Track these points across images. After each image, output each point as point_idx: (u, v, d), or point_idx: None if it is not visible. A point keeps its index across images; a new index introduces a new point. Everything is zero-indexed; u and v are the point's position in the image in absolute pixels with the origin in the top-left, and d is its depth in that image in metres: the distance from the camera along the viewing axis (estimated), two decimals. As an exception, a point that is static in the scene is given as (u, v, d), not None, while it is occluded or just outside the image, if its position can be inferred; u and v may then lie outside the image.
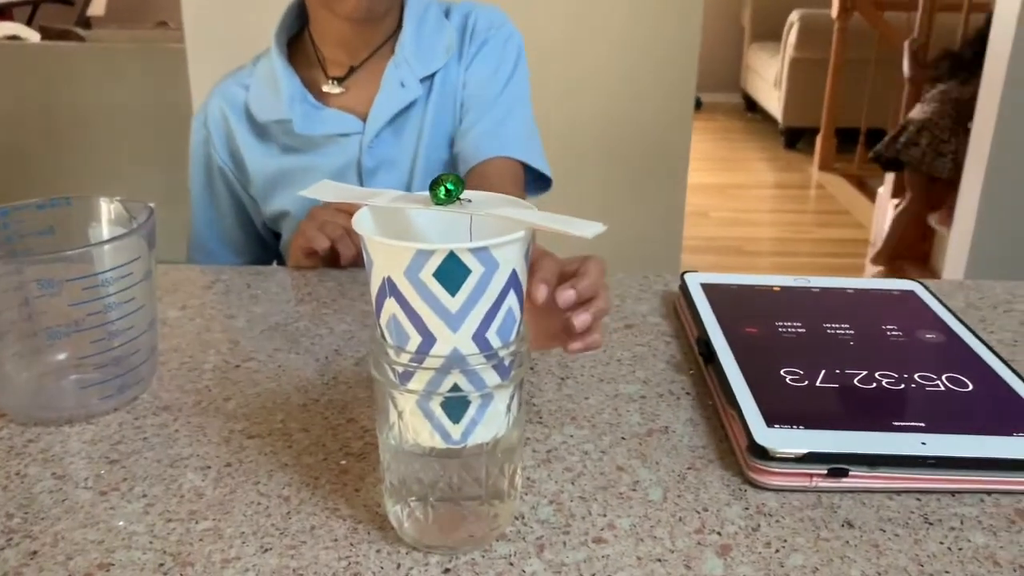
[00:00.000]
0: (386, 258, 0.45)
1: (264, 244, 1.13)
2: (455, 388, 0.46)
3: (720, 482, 0.57)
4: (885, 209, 3.27)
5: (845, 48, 3.95)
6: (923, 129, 2.92)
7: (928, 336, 0.70)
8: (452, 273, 0.44)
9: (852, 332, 0.70)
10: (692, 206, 2.98)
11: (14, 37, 3.32)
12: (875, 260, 3.14)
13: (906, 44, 3.24)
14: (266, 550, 0.51)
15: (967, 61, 2.89)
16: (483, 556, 0.50)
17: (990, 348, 0.68)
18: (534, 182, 1.05)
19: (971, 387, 0.63)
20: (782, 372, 0.64)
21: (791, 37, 4.40)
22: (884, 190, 3.33)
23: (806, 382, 0.63)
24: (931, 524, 0.53)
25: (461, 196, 0.48)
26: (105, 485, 0.57)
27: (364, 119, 1.00)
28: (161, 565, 0.50)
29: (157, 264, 0.66)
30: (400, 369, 0.47)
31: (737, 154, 4.51)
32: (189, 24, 1.97)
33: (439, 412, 0.47)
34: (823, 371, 0.64)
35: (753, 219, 3.66)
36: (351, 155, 0.99)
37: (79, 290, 0.59)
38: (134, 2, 4.88)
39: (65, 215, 0.67)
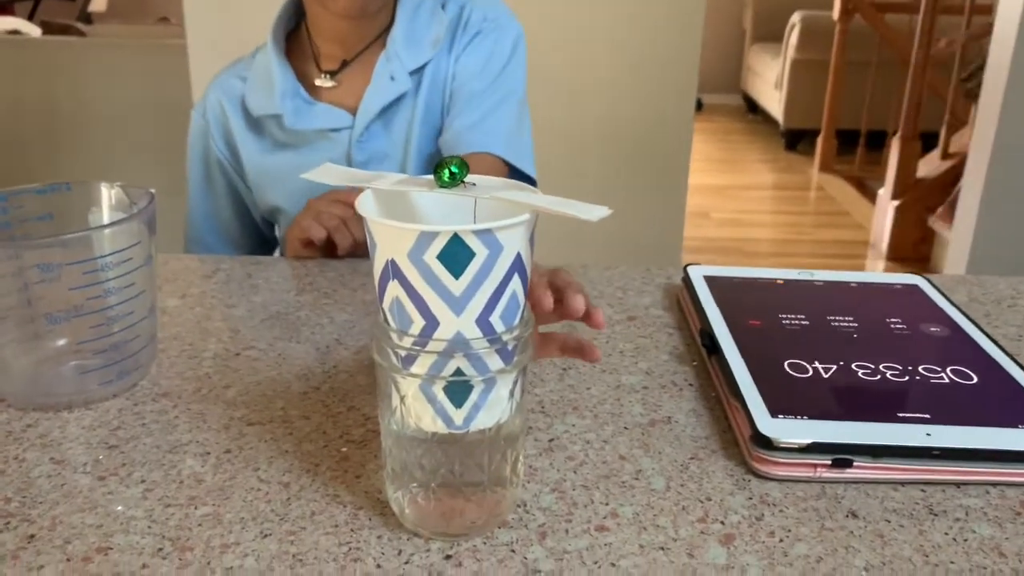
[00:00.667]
0: (389, 240, 0.44)
1: (262, 237, 1.12)
2: (458, 372, 0.46)
3: (723, 472, 0.56)
4: (886, 210, 3.27)
5: (846, 50, 3.95)
6: None
7: (932, 329, 0.70)
8: (456, 255, 0.43)
9: (856, 325, 0.70)
10: (693, 207, 2.99)
11: (15, 32, 3.31)
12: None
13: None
14: (266, 535, 0.50)
15: None
16: (485, 543, 0.50)
17: (995, 342, 0.68)
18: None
19: (976, 380, 0.62)
20: (786, 364, 0.64)
21: (792, 39, 4.40)
22: (884, 192, 3.33)
23: (810, 373, 0.63)
24: (936, 515, 0.53)
25: (465, 179, 0.48)
26: (104, 470, 0.56)
27: (354, 113, 0.99)
28: (160, 549, 0.49)
29: (156, 254, 0.66)
30: (403, 353, 0.46)
31: (738, 155, 4.51)
32: (190, 20, 1.97)
33: (441, 397, 0.47)
34: (827, 363, 0.64)
35: (754, 220, 3.66)
36: (341, 150, 0.99)
37: (79, 274, 0.59)
38: (136, -3, 4.87)
39: (65, 200, 0.67)
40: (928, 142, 3.32)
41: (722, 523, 0.52)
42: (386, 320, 0.47)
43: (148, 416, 0.62)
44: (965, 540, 0.51)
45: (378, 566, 0.48)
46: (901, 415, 0.58)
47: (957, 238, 2.62)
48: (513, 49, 1.02)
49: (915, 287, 0.78)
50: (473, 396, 0.47)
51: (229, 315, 0.78)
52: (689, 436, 0.60)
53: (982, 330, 0.70)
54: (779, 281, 0.78)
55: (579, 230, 1.92)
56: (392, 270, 0.45)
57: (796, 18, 4.39)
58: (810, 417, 0.57)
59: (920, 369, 0.63)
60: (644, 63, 2.12)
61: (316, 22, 1.01)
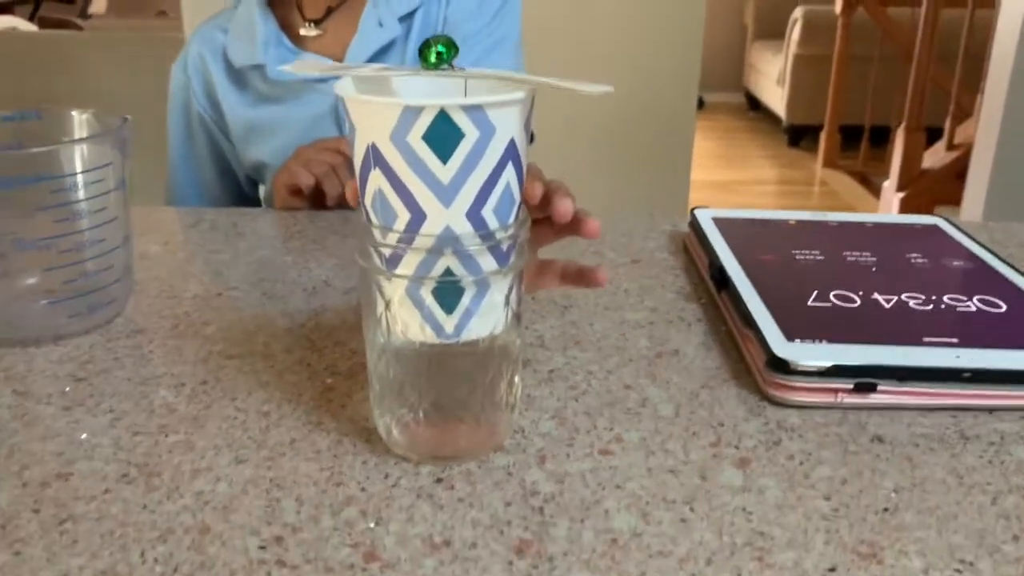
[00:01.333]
0: (370, 120, 0.40)
1: (245, 198, 1.08)
2: (448, 273, 0.42)
3: (736, 399, 0.52)
4: (891, 202, 3.23)
5: (849, 44, 3.92)
6: None
7: (956, 263, 0.66)
8: (443, 136, 0.40)
9: (874, 259, 0.66)
10: (695, 202, 2.95)
11: (12, 29, 3.29)
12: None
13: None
14: (241, 461, 0.46)
15: None
16: (479, 467, 0.46)
17: (1022, 273, 0.64)
18: None
19: (1005, 308, 0.58)
20: (802, 295, 0.60)
21: (794, 34, 4.36)
22: (889, 184, 3.29)
23: (828, 303, 0.58)
24: (968, 439, 0.49)
25: (455, 63, 0.44)
26: (69, 401, 0.52)
27: (341, 61, 0.95)
28: (125, 475, 0.45)
29: (135, 207, 0.62)
30: (387, 252, 0.42)
31: (740, 151, 4.47)
32: (188, 12, 1.93)
33: (430, 300, 0.43)
34: (846, 292, 0.60)
35: (757, 214, 3.61)
36: (328, 102, 0.94)
37: (46, 193, 0.55)
38: (134, -2, 4.85)
39: (35, 128, 0.63)
40: (931, 137, 3.27)
41: (736, 447, 0.48)
42: (368, 218, 0.43)
43: (121, 351, 0.58)
44: (1002, 463, 0.47)
45: (362, 489, 0.44)
46: (927, 339, 0.54)
47: (965, 225, 2.57)
48: None
49: (934, 226, 0.74)
50: (465, 300, 0.43)
51: (212, 259, 0.74)
52: (699, 367, 0.56)
53: (1008, 263, 0.66)
54: (791, 222, 0.74)
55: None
56: (373, 156, 0.41)
57: (798, 13, 4.36)
58: (829, 341, 0.53)
59: (945, 298, 0.59)
60: (646, 61, 2.11)
61: None
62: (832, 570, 0.39)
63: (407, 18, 0.95)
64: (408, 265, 0.42)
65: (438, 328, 0.43)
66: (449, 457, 0.46)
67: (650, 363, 0.57)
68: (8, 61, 2.79)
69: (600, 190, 2.11)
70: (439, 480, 0.45)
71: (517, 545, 0.40)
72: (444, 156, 0.40)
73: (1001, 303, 0.59)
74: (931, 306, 0.58)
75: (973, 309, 0.58)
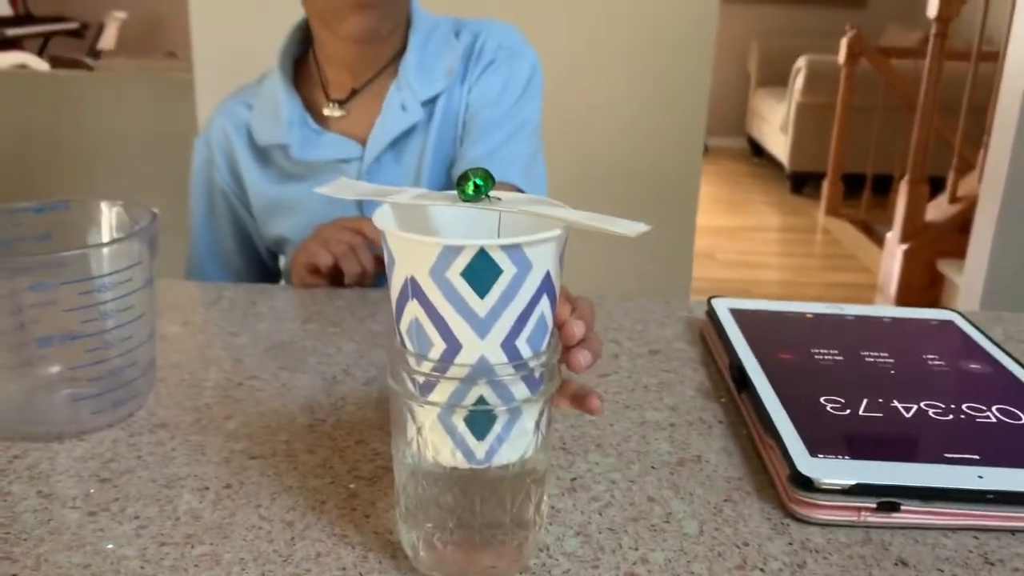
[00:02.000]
0: (410, 255, 0.41)
1: (265, 270, 1.09)
2: (480, 401, 0.42)
3: (760, 515, 0.52)
4: (894, 254, 3.24)
5: (852, 94, 3.95)
6: None
7: (972, 366, 0.66)
8: (482, 273, 0.40)
9: (892, 361, 0.66)
10: (698, 247, 2.96)
11: (23, 66, 3.32)
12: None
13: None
14: (267, 578, 0.46)
15: None
16: (505, 589, 0.46)
17: (1040, 380, 0.64)
18: None
19: (1024, 420, 0.59)
20: (822, 400, 0.60)
21: (798, 82, 4.40)
22: (893, 235, 3.31)
23: (848, 411, 0.59)
24: (992, 564, 0.49)
25: (490, 194, 0.44)
26: (94, 505, 0.52)
27: (364, 144, 0.96)
28: (152, 592, 0.45)
29: (157, 279, 0.63)
30: (421, 379, 0.43)
31: (743, 197, 4.50)
32: (198, 55, 1.95)
33: (462, 428, 0.43)
34: (865, 400, 0.60)
35: (760, 261, 3.63)
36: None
37: (75, 295, 0.55)
38: (144, 35, 4.91)
39: (63, 220, 0.64)
40: (934, 187, 3.30)
41: (762, 570, 0.48)
42: (403, 344, 0.44)
43: (144, 448, 0.58)
44: (1027, 592, 0.47)
45: (389, 613, 0.44)
46: (949, 456, 0.54)
47: (968, 282, 2.59)
48: (529, 78, 0.99)
49: (950, 323, 0.74)
50: (496, 428, 0.43)
51: (231, 343, 0.74)
52: (721, 476, 0.56)
53: (1025, 367, 0.66)
54: (808, 315, 0.75)
55: (584, 270, 1.90)
56: (412, 288, 0.41)
57: (802, 62, 4.40)
58: (852, 457, 0.53)
59: (964, 408, 0.60)
60: (653, 107, 2.12)
61: (324, 48, 0.98)
62: None
63: (430, 103, 0.96)
64: (441, 393, 0.42)
65: (469, 454, 0.43)
66: (475, 578, 0.46)
67: (672, 471, 0.57)
68: (18, 99, 2.81)
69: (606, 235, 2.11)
70: (466, 603, 0.45)
71: None
72: (482, 291, 0.40)
73: (1021, 415, 0.59)
74: (951, 416, 0.59)
75: (993, 420, 0.58)
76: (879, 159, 3.81)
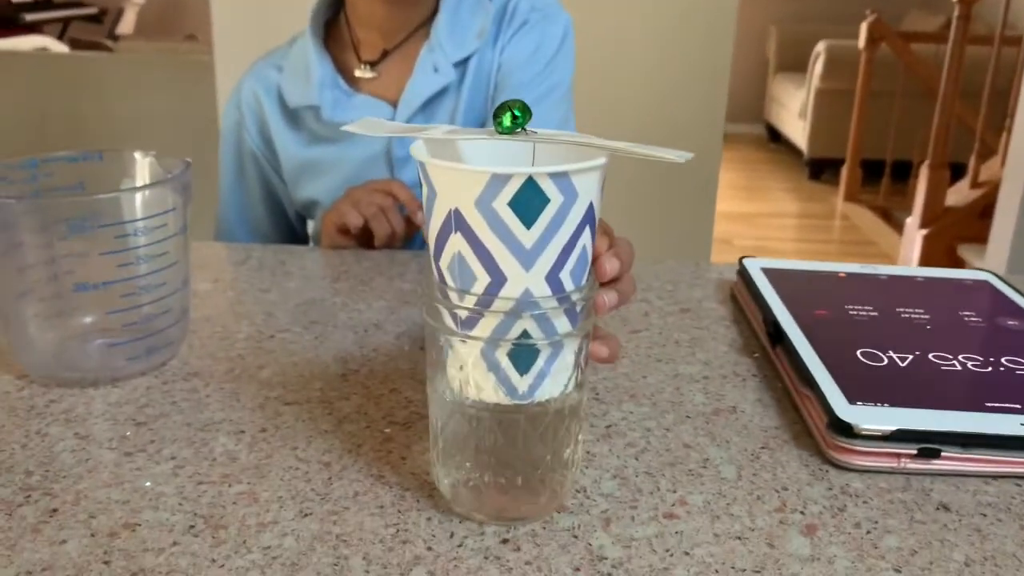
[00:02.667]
0: (454, 187, 0.41)
1: (294, 237, 1.09)
2: (524, 335, 0.42)
3: (798, 462, 0.52)
4: (914, 239, 3.22)
5: (871, 79, 3.92)
6: None
7: (1010, 323, 0.65)
8: (529, 202, 0.40)
9: (928, 317, 0.66)
10: (716, 234, 2.95)
11: (43, 49, 3.33)
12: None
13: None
14: (306, 515, 0.46)
15: None
16: (544, 528, 0.46)
17: (1079, 336, 0.63)
18: None
19: (1065, 372, 0.58)
20: (858, 353, 0.59)
21: (817, 68, 4.38)
22: (912, 220, 3.28)
23: (885, 363, 0.58)
24: (1035, 510, 0.48)
25: (527, 126, 0.44)
26: (131, 446, 0.52)
27: (395, 105, 0.96)
28: (192, 527, 0.45)
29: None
30: (463, 315, 0.42)
31: (761, 184, 4.48)
32: (218, 36, 1.95)
33: (505, 363, 0.43)
34: (902, 353, 0.60)
35: (778, 248, 3.61)
36: (381, 144, 0.95)
37: (109, 239, 0.55)
38: (162, 19, 4.91)
39: (96, 170, 0.64)
40: (955, 173, 3.27)
41: (802, 513, 0.47)
42: (443, 281, 0.43)
43: (178, 395, 0.58)
44: (1072, 536, 0.46)
45: (429, 548, 0.44)
46: (989, 404, 0.53)
47: (989, 267, 2.56)
48: (562, 40, 0.99)
49: (985, 283, 0.74)
50: (539, 362, 0.43)
51: (262, 299, 0.74)
52: (757, 426, 0.56)
53: (1064, 325, 0.65)
54: (841, 274, 0.74)
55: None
56: (455, 221, 0.41)
57: (821, 47, 4.37)
58: (891, 405, 0.53)
59: (1004, 361, 0.59)
60: (672, 95, 2.12)
61: (356, 9, 0.98)
62: (910, 648, 0.38)
63: (461, 64, 0.95)
64: (484, 328, 0.42)
65: (512, 390, 0.43)
66: (513, 518, 0.46)
67: (708, 420, 0.56)
68: (38, 81, 2.82)
69: (626, 216, 2.11)
70: (504, 541, 0.45)
71: (589, 612, 0.40)
72: (528, 221, 0.40)
73: (1061, 367, 0.58)
74: (990, 368, 0.58)
75: (1033, 373, 0.58)
76: (899, 145, 3.79)
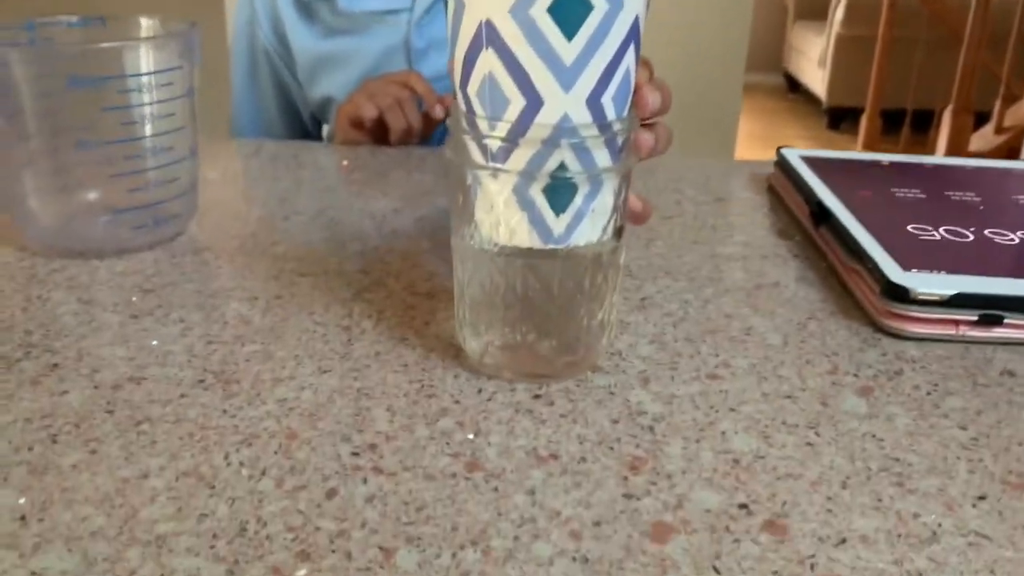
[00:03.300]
0: (487, -7, 0.37)
1: (308, 139, 1.05)
2: (561, 168, 0.38)
3: (848, 331, 0.49)
4: (935, 186, 3.16)
5: (894, 26, 3.83)
6: None
7: (1068, 206, 0.62)
8: (571, 8, 0.36)
9: (979, 199, 0.62)
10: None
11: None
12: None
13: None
14: (324, 371, 0.43)
15: None
16: (577, 385, 0.43)
17: None
18: None
19: None
20: (909, 228, 0.56)
21: (838, 14, 4.28)
22: (934, 167, 3.22)
23: (939, 236, 0.55)
24: (1107, 377, 0.45)
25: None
26: (137, 310, 0.49)
27: None
28: (201, 381, 0.42)
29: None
30: (495, 146, 0.39)
31: (779, 133, 4.40)
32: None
33: (540, 200, 0.39)
34: (957, 227, 0.56)
35: (795, 195, 3.55)
36: (399, 35, 0.91)
37: (112, 94, 0.52)
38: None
39: (100, 35, 0.60)
40: (978, 121, 3.20)
41: (855, 376, 0.44)
42: (471, 110, 0.40)
43: (188, 266, 0.55)
44: None
45: (456, 402, 0.41)
46: (1054, 274, 0.50)
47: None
48: None
49: (1037, 173, 0.70)
50: (577, 200, 0.39)
51: (275, 186, 0.71)
52: (802, 299, 0.53)
53: None
54: (884, 163, 0.70)
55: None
56: (487, 35, 0.37)
57: (842, -7, 4.27)
58: (949, 271, 0.49)
59: (1065, 237, 0.55)
60: (693, 44, 2.09)
61: None
62: (982, 498, 0.35)
63: None
64: (518, 160, 0.39)
65: (546, 232, 0.40)
66: (545, 376, 0.43)
67: (749, 294, 0.53)
68: None
69: (647, 168, 2.08)
70: (537, 396, 0.42)
71: (630, 461, 0.37)
72: (569, 32, 0.36)
73: None
74: (1051, 244, 0.54)
75: (1097, 248, 0.54)
76: (920, 94, 3.70)
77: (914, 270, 0.49)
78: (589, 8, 0.36)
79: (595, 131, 0.38)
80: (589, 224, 0.40)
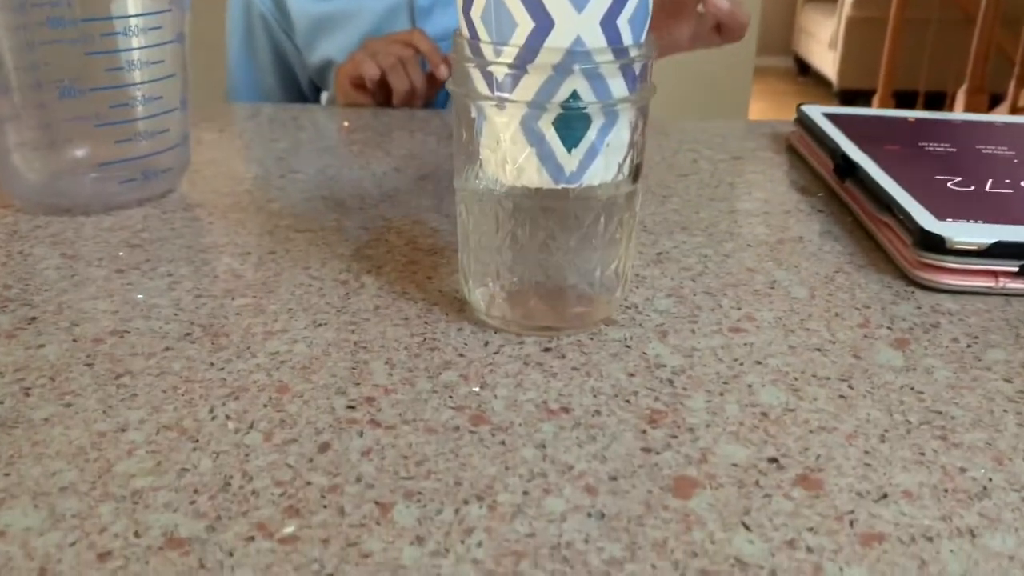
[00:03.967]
0: (492, -95, 0.34)
1: None
2: (573, 97, 0.35)
3: (879, 284, 0.46)
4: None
5: (906, 6, 3.77)
6: None
7: (1107, 159, 0.58)
8: (582, -82, 0.33)
9: (1012, 153, 0.59)
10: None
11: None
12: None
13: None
14: (319, 324, 0.40)
15: None
16: (590, 338, 0.40)
17: None
18: None
19: None
20: (939, 178, 0.53)
21: (849, -5, 4.22)
22: (947, 148, 3.17)
23: (972, 187, 0.51)
24: None
25: None
26: (123, 264, 0.47)
27: None
28: (187, 334, 0.39)
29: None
30: (501, 74, 0.36)
31: (790, 115, 4.35)
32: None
33: (550, 135, 0.36)
34: (990, 179, 0.53)
35: (806, 178, 3.51)
36: None
37: (96, 37, 0.49)
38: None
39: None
40: (991, 103, 3.15)
41: (889, 328, 0.41)
42: (475, 36, 0.37)
43: (178, 222, 0.52)
44: None
45: (460, 355, 0.38)
46: (1099, 224, 0.46)
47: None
48: None
49: (1072, 129, 0.66)
50: (590, 134, 0.36)
51: (272, 147, 0.68)
52: (828, 252, 0.49)
53: None
54: (910, 119, 0.67)
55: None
56: (492, -48, 0.34)
57: (853, -26, 4.21)
58: (986, 221, 0.46)
59: (1107, 188, 0.52)
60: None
61: None
62: (1035, 452, 0.32)
63: None
64: (526, 89, 0.36)
65: (557, 170, 0.37)
66: (555, 328, 0.40)
67: (772, 248, 0.50)
68: None
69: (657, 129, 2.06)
70: (547, 349, 0.39)
71: (649, 415, 0.34)
72: (580, -56, 0.33)
73: None
74: (1092, 195, 0.51)
75: None
76: (932, 75, 3.65)
77: (949, 220, 0.46)
78: (604, -83, 0.33)
79: (610, 56, 0.35)
80: (603, 162, 0.37)
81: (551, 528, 0.28)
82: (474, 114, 0.37)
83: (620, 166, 0.38)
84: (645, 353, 0.38)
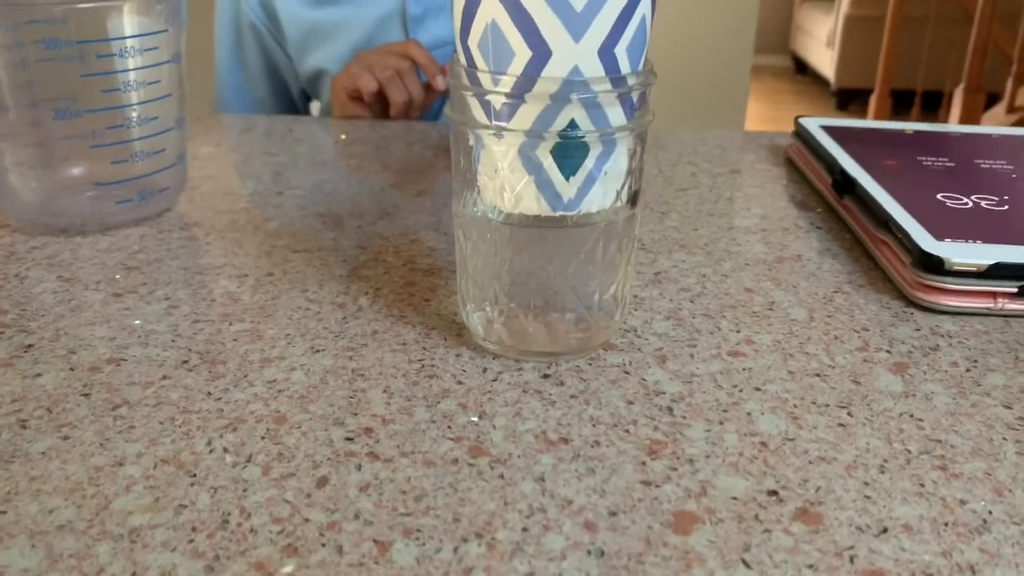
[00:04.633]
0: (489, -65, 0.34)
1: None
2: (572, 126, 0.35)
3: (878, 304, 0.46)
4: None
5: (903, 4, 3.77)
6: None
7: (1106, 174, 0.58)
8: (578, -52, 0.33)
9: (1011, 167, 0.59)
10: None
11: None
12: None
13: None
14: (317, 351, 0.40)
15: None
16: (589, 364, 0.40)
17: None
18: None
19: None
20: (939, 196, 0.53)
21: (846, -7, 4.22)
22: (945, 147, 3.17)
23: (971, 205, 0.51)
24: None
25: None
26: (120, 288, 0.46)
27: None
28: (185, 362, 0.39)
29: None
30: (498, 103, 0.36)
31: (788, 115, 4.35)
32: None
33: (548, 163, 0.36)
34: (989, 196, 0.53)
35: (804, 177, 3.51)
36: (394, 2, 0.87)
37: (92, 59, 0.49)
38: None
39: (77, 13, 0.56)
40: (988, 101, 3.15)
41: (888, 352, 0.41)
42: (472, 64, 0.36)
43: (175, 242, 0.52)
44: None
45: (459, 383, 0.38)
46: (1098, 243, 0.46)
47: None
48: None
49: (1070, 141, 0.66)
50: (588, 162, 0.36)
51: (269, 161, 0.68)
52: (827, 271, 0.49)
53: None
54: (908, 131, 0.67)
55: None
56: (490, -19, 0.34)
57: (851, -28, 4.21)
58: (984, 241, 0.46)
59: (1106, 205, 0.52)
60: (701, 25, 2.06)
61: None
62: (1035, 483, 0.32)
63: None
64: (524, 118, 0.35)
65: (555, 198, 0.37)
66: (553, 354, 0.40)
67: (770, 268, 0.50)
68: None
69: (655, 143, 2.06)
70: (545, 376, 0.39)
71: (648, 445, 0.34)
72: (577, -25, 0.33)
73: None
74: (1091, 212, 0.51)
75: None
76: (930, 74, 3.65)
77: (948, 239, 0.46)
78: (601, -53, 0.33)
79: (608, 85, 0.35)
80: (601, 189, 0.37)
81: (551, 567, 0.28)
82: (472, 142, 0.37)
83: (618, 193, 0.38)
84: (644, 379, 0.38)
